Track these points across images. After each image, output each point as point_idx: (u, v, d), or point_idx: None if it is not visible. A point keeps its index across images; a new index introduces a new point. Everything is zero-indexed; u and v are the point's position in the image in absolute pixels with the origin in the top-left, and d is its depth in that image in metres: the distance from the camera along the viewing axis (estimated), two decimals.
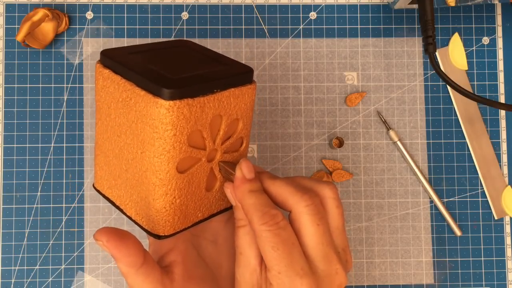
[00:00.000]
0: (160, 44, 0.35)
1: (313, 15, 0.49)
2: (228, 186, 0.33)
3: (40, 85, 0.48)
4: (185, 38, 0.40)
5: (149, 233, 0.32)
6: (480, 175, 0.49)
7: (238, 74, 0.32)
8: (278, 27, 0.49)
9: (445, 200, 0.49)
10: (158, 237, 0.31)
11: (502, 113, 0.50)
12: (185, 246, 0.35)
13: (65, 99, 0.48)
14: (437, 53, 0.49)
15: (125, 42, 0.48)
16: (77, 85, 0.48)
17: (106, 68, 0.31)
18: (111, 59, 0.30)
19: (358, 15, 0.50)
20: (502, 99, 0.50)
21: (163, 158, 0.29)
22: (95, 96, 0.32)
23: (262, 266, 0.32)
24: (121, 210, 0.33)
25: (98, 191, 0.35)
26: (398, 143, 0.48)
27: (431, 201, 0.49)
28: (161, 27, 0.49)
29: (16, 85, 0.48)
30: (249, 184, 0.32)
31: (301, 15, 0.49)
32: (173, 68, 0.31)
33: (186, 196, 0.32)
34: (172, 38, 0.49)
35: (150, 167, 0.29)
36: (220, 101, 0.30)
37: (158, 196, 0.30)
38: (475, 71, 0.50)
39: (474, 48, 0.50)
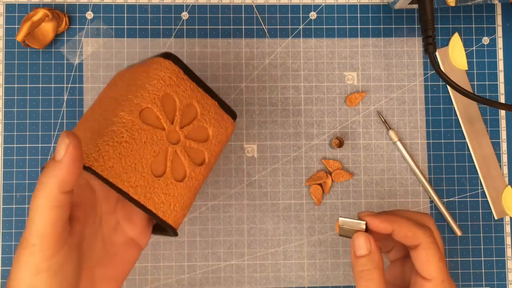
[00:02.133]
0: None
1: (313, 15, 0.49)
2: (363, 233, 0.36)
3: (40, 85, 0.48)
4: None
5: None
6: (480, 175, 0.49)
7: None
8: (278, 27, 0.49)
9: (445, 200, 0.49)
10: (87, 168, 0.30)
11: (502, 113, 0.50)
12: (91, 216, 0.34)
13: (65, 99, 0.48)
14: (437, 53, 0.49)
15: (125, 42, 0.48)
16: (77, 85, 0.48)
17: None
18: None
19: (358, 15, 0.50)
20: (502, 99, 0.50)
21: (138, 100, 0.31)
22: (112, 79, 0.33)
23: None
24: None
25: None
26: (398, 143, 0.48)
27: (431, 201, 0.49)
28: (161, 27, 0.49)
29: (16, 85, 0.48)
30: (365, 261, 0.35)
31: (301, 15, 0.49)
32: None
33: (131, 152, 0.31)
34: (172, 38, 0.49)
35: (120, 107, 0.31)
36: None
37: (109, 129, 0.30)
38: (475, 71, 0.50)
39: (474, 48, 0.50)
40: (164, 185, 0.33)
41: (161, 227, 0.37)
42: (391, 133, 0.48)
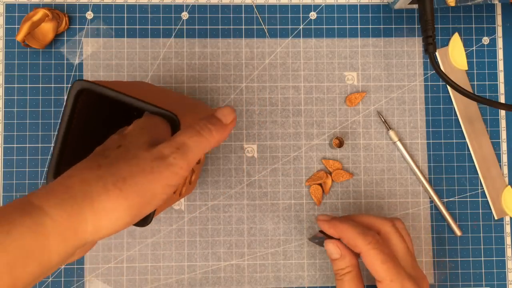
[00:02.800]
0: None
1: (313, 15, 0.49)
2: (330, 241, 0.41)
3: (40, 85, 0.48)
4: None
5: None
6: (480, 175, 0.49)
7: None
8: (278, 27, 0.49)
9: (445, 200, 0.49)
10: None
11: (502, 113, 0.50)
12: None
13: (65, 99, 0.48)
14: (437, 53, 0.49)
15: (125, 42, 0.48)
16: None
17: None
18: None
19: (358, 15, 0.50)
20: (502, 99, 0.50)
21: None
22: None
23: None
24: None
25: None
26: (398, 143, 0.48)
27: (431, 201, 0.49)
28: (161, 27, 0.49)
29: (16, 85, 0.48)
30: (347, 219, 0.41)
31: (301, 15, 0.49)
32: None
33: None
34: (172, 38, 0.49)
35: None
36: None
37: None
38: (475, 71, 0.50)
39: (474, 48, 0.50)
40: None
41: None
42: (391, 133, 0.48)
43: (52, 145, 0.48)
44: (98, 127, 0.42)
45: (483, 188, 0.49)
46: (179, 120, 0.34)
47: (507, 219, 0.49)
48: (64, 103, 0.36)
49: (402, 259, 0.40)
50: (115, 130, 0.38)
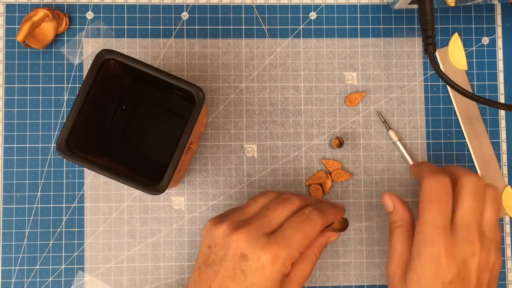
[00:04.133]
0: None
1: (313, 15, 0.50)
2: (386, 194, 0.42)
3: (40, 85, 0.48)
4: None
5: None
6: (480, 175, 0.49)
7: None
8: (278, 27, 0.49)
9: None
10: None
11: (502, 113, 0.50)
12: None
13: (65, 99, 0.48)
14: (437, 53, 0.49)
15: (125, 42, 0.48)
16: (77, 85, 0.48)
17: None
18: None
19: (358, 15, 0.50)
20: (502, 99, 0.50)
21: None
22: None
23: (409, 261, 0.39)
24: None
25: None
26: (398, 142, 0.48)
27: None
28: (161, 27, 0.49)
29: (16, 85, 0.48)
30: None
31: (301, 15, 0.49)
32: None
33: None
34: (172, 38, 0.49)
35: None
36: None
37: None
38: (475, 71, 0.50)
39: (474, 48, 0.50)
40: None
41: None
42: (391, 133, 0.48)
43: (53, 144, 0.48)
44: (105, 104, 0.42)
45: None
46: (204, 94, 0.37)
47: (507, 219, 0.49)
48: (86, 74, 0.38)
49: (487, 225, 0.40)
50: (120, 108, 0.45)
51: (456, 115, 0.49)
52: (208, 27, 0.49)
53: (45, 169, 0.47)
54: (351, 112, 0.49)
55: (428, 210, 0.38)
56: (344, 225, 0.44)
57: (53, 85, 0.48)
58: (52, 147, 0.48)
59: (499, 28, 0.50)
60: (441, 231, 0.37)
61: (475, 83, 0.50)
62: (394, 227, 0.41)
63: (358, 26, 0.50)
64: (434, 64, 0.43)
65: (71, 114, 0.37)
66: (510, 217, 0.49)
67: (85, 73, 0.48)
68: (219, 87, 0.49)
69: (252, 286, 0.36)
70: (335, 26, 0.49)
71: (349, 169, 0.49)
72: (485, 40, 0.50)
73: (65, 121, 0.38)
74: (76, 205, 0.47)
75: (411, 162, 0.48)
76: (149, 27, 0.49)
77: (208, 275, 0.38)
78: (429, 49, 0.43)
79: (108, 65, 0.38)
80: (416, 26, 0.50)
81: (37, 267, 0.47)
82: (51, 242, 0.47)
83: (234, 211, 0.41)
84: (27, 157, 0.47)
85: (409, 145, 0.49)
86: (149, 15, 0.49)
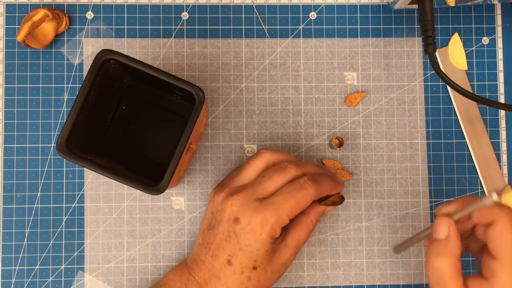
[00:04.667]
0: None
1: (313, 15, 0.50)
2: (444, 218, 0.35)
3: (40, 85, 0.48)
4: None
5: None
6: (480, 175, 0.49)
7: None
8: (278, 27, 0.49)
9: (445, 200, 0.49)
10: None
11: (502, 113, 0.50)
12: None
13: (65, 99, 0.48)
14: (437, 53, 0.49)
15: (125, 42, 0.48)
16: (77, 85, 0.48)
17: None
18: None
19: (358, 15, 0.50)
20: (502, 99, 0.50)
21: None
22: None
23: None
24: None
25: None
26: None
27: (431, 201, 0.49)
28: (161, 27, 0.49)
29: (16, 85, 0.48)
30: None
31: (301, 15, 0.49)
32: None
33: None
34: (172, 38, 0.49)
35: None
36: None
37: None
38: (475, 71, 0.50)
39: (474, 48, 0.50)
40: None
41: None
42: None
43: (53, 144, 0.48)
44: (105, 104, 0.43)
45: (483, 188, 0.49)
46: (204, 94, 0.37)
47: None
48: (86, 74, 0.38)
49: None
50: (120, 108, 0.45)
51: (456, 115, 0.49)
52: (208, 27, 0.49)
53: (45, 169, 0.47)
54: (351, 112, 0.49)
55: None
56: (338, 201, 0.44)
57: (53, 85, 0.48)
58: (52, 147, 0.48)
59: (499, 28, 0.50)
60: None
61: (475, 83, 0.50)
62: (442, 262, 0.34)
63: (358, 26, 0.50)
64: (434, 64, 0.43)
65: (71, 114, 0.38)
66: None
67: (85, 73, 0.48)
68: (219, 87, 0.49)
69: (245, 247, 0.39)
70: (335, 26, 0.49)
71: (349, 169, 0.49)
72: (485, 40, 0.50)
73: (65, 121, 0.38)
74: (76, 205, 0.47)
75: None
76: (149, 27, 0.49)
77: (209, 237, 0.41)
78: (429, 49, 0.43)
79: (108, 65, 0.38)
80: (416, 26, 0.50)
81: (37, 267, 0.47)
82: (51, 242, 0.47)
83: (232, 177, 0.43)
84: (27, 157, 0.47)
85: (409, 145, 0.49)
86: (149, 15, 0.49)
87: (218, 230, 0.40)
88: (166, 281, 0.43)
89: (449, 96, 0.50)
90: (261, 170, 0.42)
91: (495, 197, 0.31)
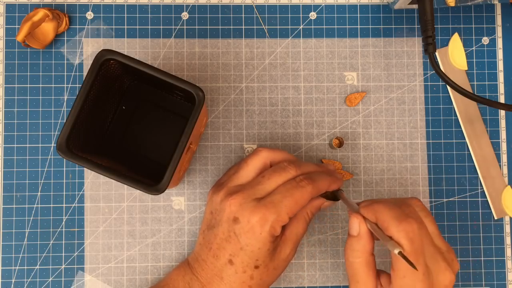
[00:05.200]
0: None
1: (313, 15, 0.50)
2: (356, 215, 0.38)
3: (40, 85, 0.48)
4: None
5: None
6: (480, 175, 0.49)
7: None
8: (278, 27, 0.49)
9: (445, 200, 0.49)
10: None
11: (502, 113, 0.50)
12: None
13: (65, 99, 0.48)
14: (437, 53, 0.49)
15: (125, 42, 0.48)
16: (77, 85, 0.48)
17: None
18: None
19: (358, 15, 0.50)
20: (502, 99, 0.50)
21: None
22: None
23: None
24: None
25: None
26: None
27: (431, 201, 0.49)
28: (161, 27, 0.49)
29: (16, 85, 0.48)
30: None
31: (301, 15, 0.49)
32: None
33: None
34: (172, 38, 0.49)
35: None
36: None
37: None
38: (475, 71, 0.50)
39: (474, 48, 0.50)
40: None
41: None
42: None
43: (53, 144, 0.48)
44: (105, 104, 0.43)
45: (483, 188, 0.49)
46: (204, 94, 0.37)
47: (507, 219, 0.49)
48: (86, 74, 0.38)
49: (435, 239, 0.38)
50: (120, 108, 0.45)
51: (456, 115, 0.49)
52: (208, 27, 0.49)
53: (45, 169, 0.47)
54: (351, 112, 0.49)
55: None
56: (336, 196, 0.43)
57: (53, 85, 0.48)
58: (52, 147, 0.48)
59: (499, 28, 0.50)
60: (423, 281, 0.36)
61: (475, 83, 0.50)
62: (354, 257, 0.38)
63: (358, 26, 0.50)
64: (434, 64, 0.43)
65: (71, 114, 0.38)
66: (510, 217, 0.49)
67: (85, 73, 0.48)
68: (219, 87, 0.49)
69: (246, 247, 0.39)
70: (335, 26, 0.49)
71: (349, 169, 0.49)
72: (485, 40, 0.50)
73: (65, 121, 0.38)
74: (76, 205, 0.47)
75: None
76: (149, 27, 0.49)
77: (210, 237, 0.41)
78: (429, 49, 0.43)
79: (108, 65, 0.38)
80: (416, 26, 0.50)
81: (37, 267, 0.47)
82: (51, 242, 0.47)
83: (230, 177, 0.43)
84: (27, 157, 0.47)
85: (409, 145, 0.49)
86: (149, 15, 0.49)
87: (218, 230, 0.41)
88: (169, 281, 0.43)
89: (449, 96, 0.50)
90: (259, 169, 0.42)
91: (396, 251, 0.34)
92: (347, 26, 0.50)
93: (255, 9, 0.49)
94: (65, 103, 0.48)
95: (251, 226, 0.39)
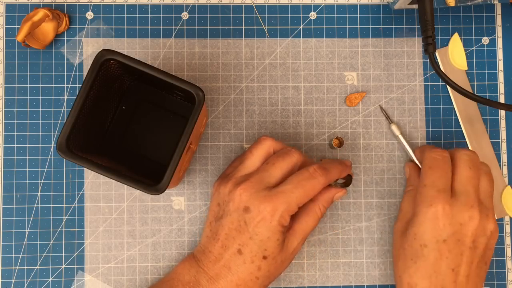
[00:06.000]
0: None
1: (313, 15, 0.50)
2: (407, 164, 0.48)
3: (40, 85, 0.48)
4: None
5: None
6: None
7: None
8: (278, 27, 0.49)
9: None
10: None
11: (502, 113, 0.50)
12: None
13: (65, 99, 0.48)
14: (437, 53, 0.49)
15: (125, 42, 0.48)
16: (77, 85, 0.48)
17: None
18: None
19: (358, 15, 0.50)
20: (502, 99, 0.50)
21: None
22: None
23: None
24: None
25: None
26: (400, 136, 0.48)
27: None
28: (161, 27, 0.49)
29: (16, 85, 0.48)
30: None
31: (301, 15, 0.49)
32: None
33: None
34: (172, 38, 0.49)
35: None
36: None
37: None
38: (475, 71, 0.50)
39: (474, 48, 0.50)
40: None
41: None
42: (393, 127, 0.48)
43: (53, 144, 0.48)
44: (105, 104, 0.43)
45: None
46: (204, 94, 0.37)
47: (507, 219, 0.49)
48: (86, 74, 0.38)
49: (484, 194, 0.43)
50: (120, 108, 0.45)
51: (456, 115, 0.49)
52: (208, 27, 0.49)
53: (45, 169, 0.47)
54: (351, 112, 0.49)
55: (429, 175, 0.42)
56: (348, 181, 0.46)
57: (53, 85, 0.48)
58: (52, 147, 0.48)
59: (499, 28, 0.50)
60: (441, 194, 0.41)
61: (475, 83, 0.50)
62: (405, 191, 0.46)
63: (358, 26, 0.50)
64: (434, 64, 0.43)
65: (71, 114, 0.38)
66: (510, 217, 0.49)
67: (85, 73, 0.48)
68: (219, 87, 0.49)
69: (255, 236, 0.39)
70: (335, 26, 0.50)
71: None
72: (485, 40, 0.50)
73: (65, 121, 0.38)
74: (76, 205, 0.47)
75: (413, 156, 0.48)
76: (149, 27, 0.49)
77: (218, 228, 0.41)
78: (429, 49, 0.43)
79: (108, 65, 0.38)
80: (416, 26, 0.50)
81: (37, 267, 0.47)
82: (51, 242, 0.47)
83: (236, 167, 0.43)
84: (27, 157, 0.47)
85: (409, 145, 0.49)
86: (149, 15, 0.49)
87: (227, 220, 0.41)
88: (175, 275, 0.43)
89: (449, 96, 0.50)
90: (264, 157, 0.43)
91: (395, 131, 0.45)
92: (347, 26, 0.50)
93: (255, 9, 0.49)
94: (65, 103, 0.48)
95: (263, 216, 0.39)
